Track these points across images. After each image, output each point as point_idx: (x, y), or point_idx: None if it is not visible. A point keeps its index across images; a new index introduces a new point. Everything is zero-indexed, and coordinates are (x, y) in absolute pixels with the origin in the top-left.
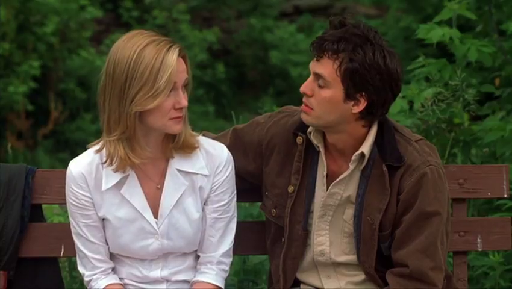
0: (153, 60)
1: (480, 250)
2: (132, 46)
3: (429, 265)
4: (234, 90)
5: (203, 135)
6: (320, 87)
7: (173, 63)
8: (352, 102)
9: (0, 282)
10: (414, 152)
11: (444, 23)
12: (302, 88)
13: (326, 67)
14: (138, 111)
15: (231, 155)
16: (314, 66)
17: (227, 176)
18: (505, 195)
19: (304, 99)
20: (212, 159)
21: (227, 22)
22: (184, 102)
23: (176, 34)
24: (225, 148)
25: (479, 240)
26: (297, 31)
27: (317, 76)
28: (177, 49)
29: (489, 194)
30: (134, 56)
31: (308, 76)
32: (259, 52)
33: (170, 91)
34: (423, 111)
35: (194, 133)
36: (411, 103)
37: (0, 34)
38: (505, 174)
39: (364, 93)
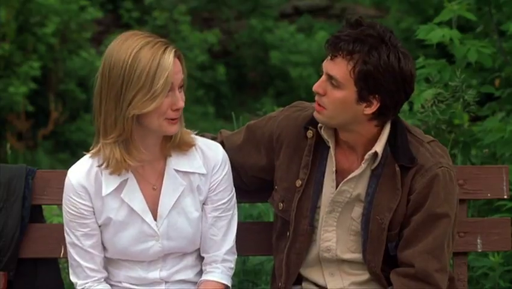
0: (150, 63)
1: (480, 250)
2: (127, 48)
3: (435, 267)
4: (234, 90)
5: (202, 136)
6: (333, 86)
7: (169, 65)
8: (365, 104)
9: (0, 283)
10: (426, 153)
11: (444, 24)
12: (315, 88)
13: (339, 68)
14: (136, 114)
15: (226, 153)
16: (328, 66)
17: (224, 174)
18: (505, 196)
19: (317, 98)
20: (208, 158)
21: (227, 23)
22: (181, 103)
23: (177, 35)
24: (220, 147)
25: (479, 241)
26: (297, 32)
27: (330, 76)
28: (173, 50)
29: (489, 195)
30: (130, 60)
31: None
32: (259, 52)
33: (168, 93)
34: (423, 112)
35: (188, 130)
36: (411, 104)
37: (0, 35)
38: (505, 175)
39: (377, 95)
